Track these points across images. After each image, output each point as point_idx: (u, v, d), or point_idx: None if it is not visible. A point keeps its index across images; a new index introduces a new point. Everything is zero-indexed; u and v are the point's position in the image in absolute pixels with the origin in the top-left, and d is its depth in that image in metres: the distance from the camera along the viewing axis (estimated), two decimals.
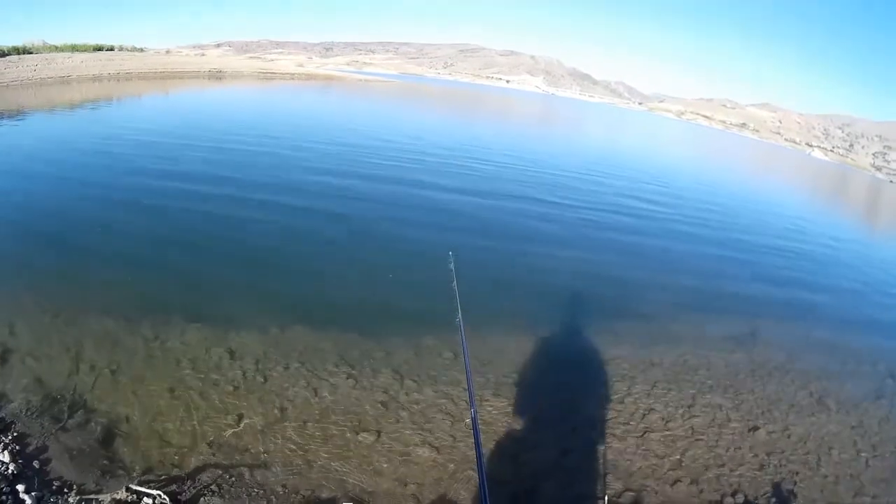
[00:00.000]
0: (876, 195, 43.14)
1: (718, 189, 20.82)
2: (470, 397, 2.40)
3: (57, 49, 32.84)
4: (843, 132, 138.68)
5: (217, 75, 44.14)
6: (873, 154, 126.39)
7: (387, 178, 12.31)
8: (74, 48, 34.18)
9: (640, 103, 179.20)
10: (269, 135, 16.23)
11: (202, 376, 4.38)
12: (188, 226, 7.91)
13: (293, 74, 58.88)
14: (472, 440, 3.93)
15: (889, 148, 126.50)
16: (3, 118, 14.99)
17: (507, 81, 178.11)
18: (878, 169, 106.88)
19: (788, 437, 4.78)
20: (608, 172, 18.58)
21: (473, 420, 2.25)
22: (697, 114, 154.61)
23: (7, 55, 27.55)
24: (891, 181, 73.58)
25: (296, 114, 24.67)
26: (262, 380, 4.46)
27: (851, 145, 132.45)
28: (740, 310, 7.73)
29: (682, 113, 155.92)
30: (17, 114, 16.02)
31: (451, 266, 3.62)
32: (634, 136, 47.42)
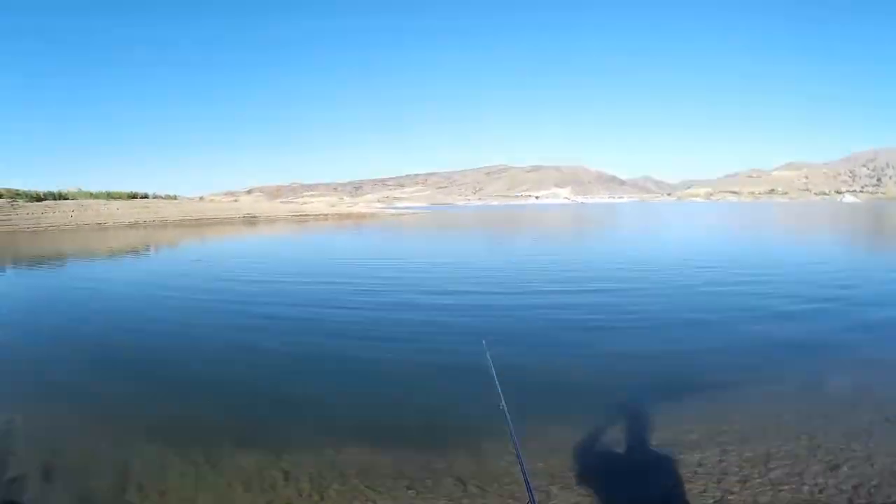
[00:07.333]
0: None
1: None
2: (526, 485, 2.14)
3: (92, 196, 35.25)
4: (868, 168, 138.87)
5: (251, 220, 46.16)
6: None
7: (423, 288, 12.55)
8: (109, 195, 36.68)
9: (668, 194, 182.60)
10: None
11: (255, 497, 4.13)
12: (237, 348, 8.00)
13: (327, 215, 61.57)
14: None
15: None
16: (41, 263, 15.81)
17: (536, 197, 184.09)
18: None
19: (872, 465, 4.40)
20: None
21: None
22: (726, 192, 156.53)
23: (44, 199, 29.61)
24: None
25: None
26: (319, 498, 4.17)
27: (879, 179, 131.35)
28: (801, 357, 7.50)
29: (711, 194, 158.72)
30: (57, 258, 16.93)
31: (487, 354, 3.45)
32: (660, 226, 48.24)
